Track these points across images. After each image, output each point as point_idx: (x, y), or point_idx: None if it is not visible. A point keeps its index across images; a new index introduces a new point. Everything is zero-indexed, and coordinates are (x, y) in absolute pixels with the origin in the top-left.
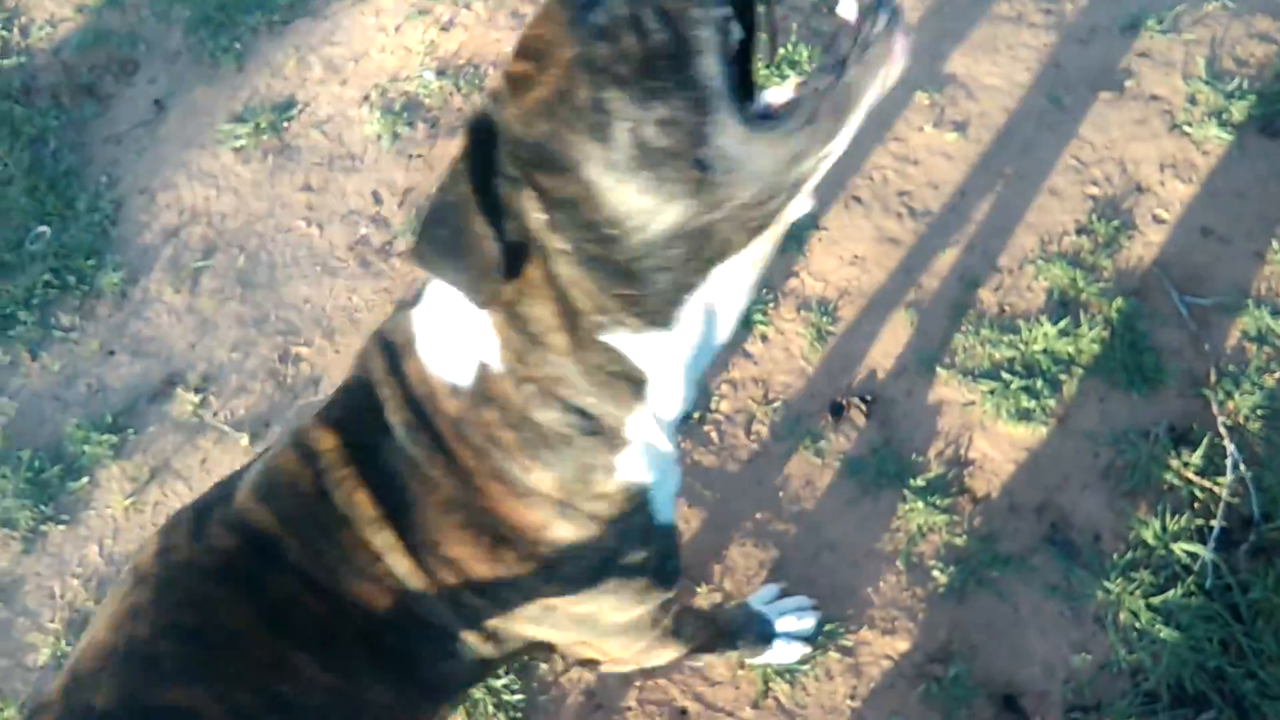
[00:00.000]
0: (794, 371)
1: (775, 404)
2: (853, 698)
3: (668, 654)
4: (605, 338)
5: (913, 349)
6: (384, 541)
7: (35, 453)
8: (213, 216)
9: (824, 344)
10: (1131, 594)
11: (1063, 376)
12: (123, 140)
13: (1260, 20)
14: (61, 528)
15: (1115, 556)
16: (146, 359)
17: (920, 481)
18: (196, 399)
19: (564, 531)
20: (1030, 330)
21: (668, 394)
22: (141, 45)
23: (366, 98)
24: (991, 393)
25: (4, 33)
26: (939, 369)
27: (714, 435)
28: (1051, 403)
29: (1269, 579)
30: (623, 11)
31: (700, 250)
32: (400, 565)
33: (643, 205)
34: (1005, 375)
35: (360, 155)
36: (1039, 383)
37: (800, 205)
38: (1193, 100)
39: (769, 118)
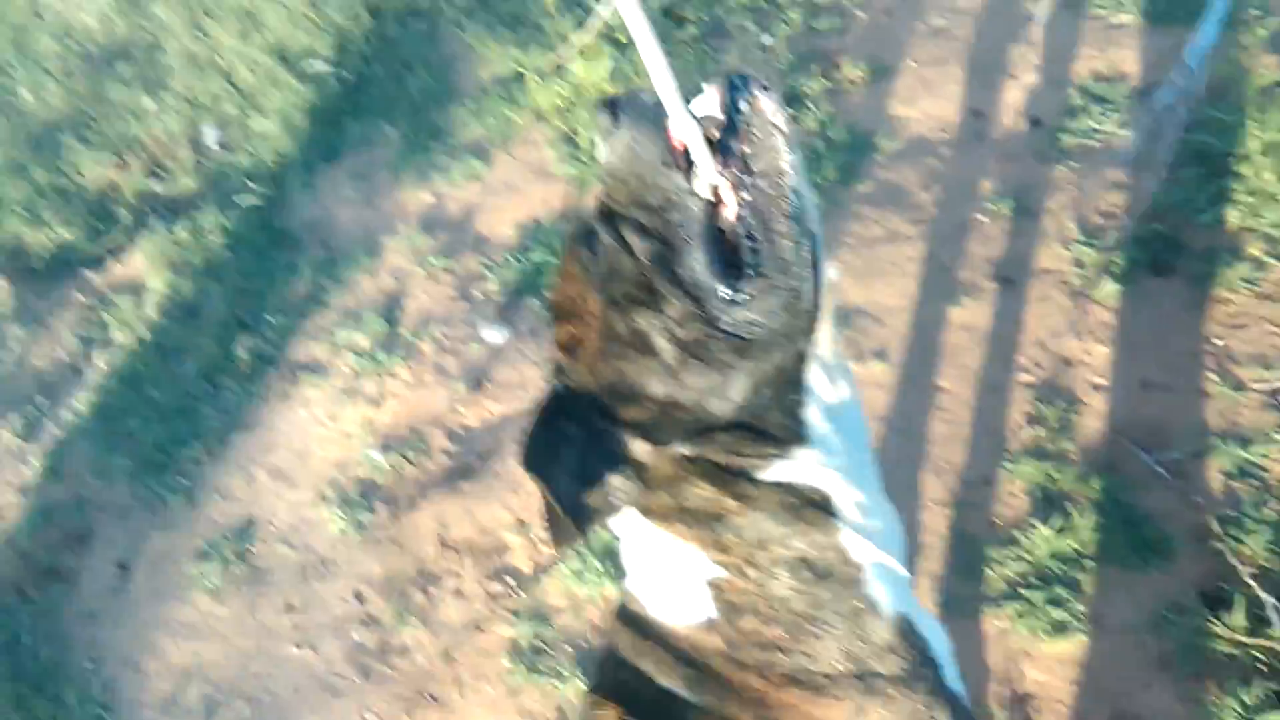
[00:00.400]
0: None
1: None
2: None
3: None
4: (764, 477)
5: (930, 599)
6: None
7: None
8: (205, 671)
9: None
10: None
11: (1078, 575)
12: (96, 615)
13: (1108, 171)
14: None
15: None
16: None
17: None
18: None
19: (877, 713)
20: (1029, 538)
21: (853, 501)
22: (90, 510)
23: (322, 496)
24: (1020, 615)
25: None
26: (962, 607)
27: None
28: (1080, 606)
29: None
30: (610, 240)
31: (777, 379)
32: None
33: (709, 384)
34: (1024, 592)
35: (331, 558)
36: (1059, 589)
37: (829, 280)
38: (1080, 264)
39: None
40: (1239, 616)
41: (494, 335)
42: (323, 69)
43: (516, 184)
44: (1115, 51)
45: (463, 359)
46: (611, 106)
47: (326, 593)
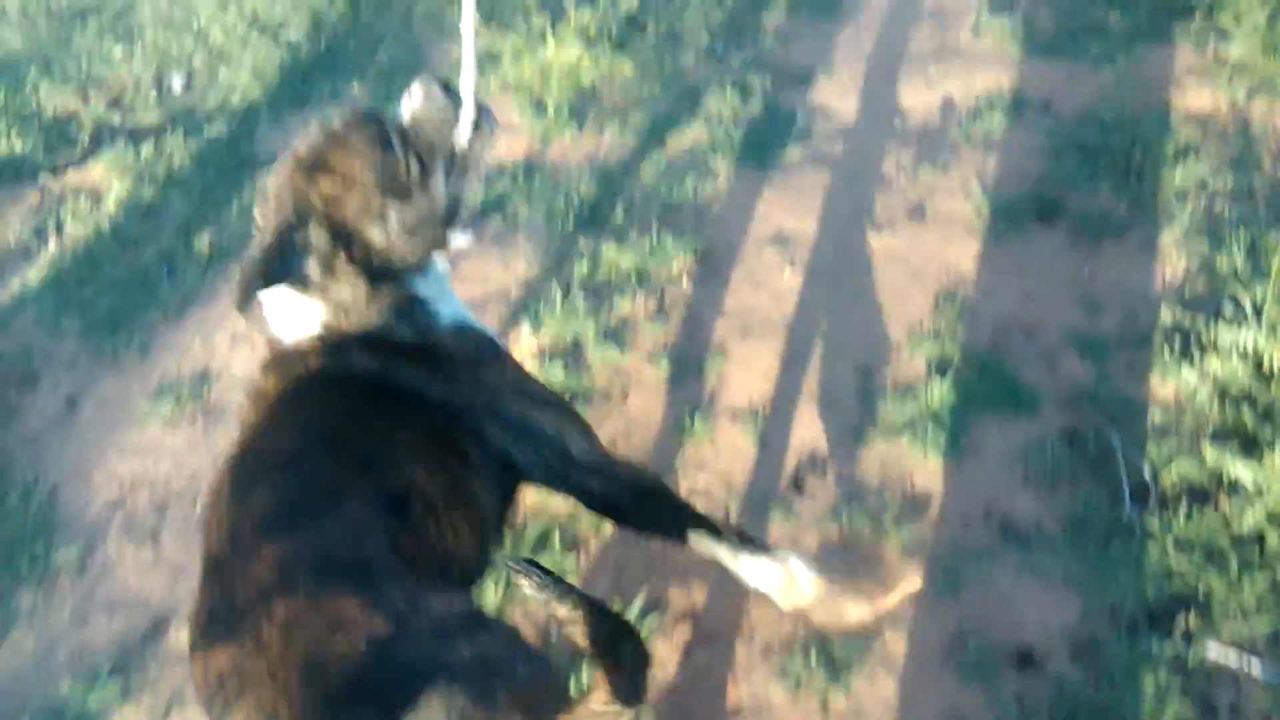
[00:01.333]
0: (745, 463)
1: (740, 490)
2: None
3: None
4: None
5: (835, 424)
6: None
7: (34, 718)
8: (155, 482)
9: (761, 439)
10: None
11: (961, 418)
12: (39, 439)
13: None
14: None
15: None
16: (126, 611)
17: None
18: None
19: None
20: (925, 391)
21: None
22: (36, 357)
23: None
24: (913, 440)
25: None
26: (867, 431)
27: None
28: (963, 438)
29: None
30: (400, 155)
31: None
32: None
33: (406, 244)
34: (918, 425)
35: None
36: (945, 424)
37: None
38: (980, 211)
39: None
40: (1090, 448)
41: (460, 240)
42: (295, 38)
43: None
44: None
45: None
46: (436, 81)
47: None
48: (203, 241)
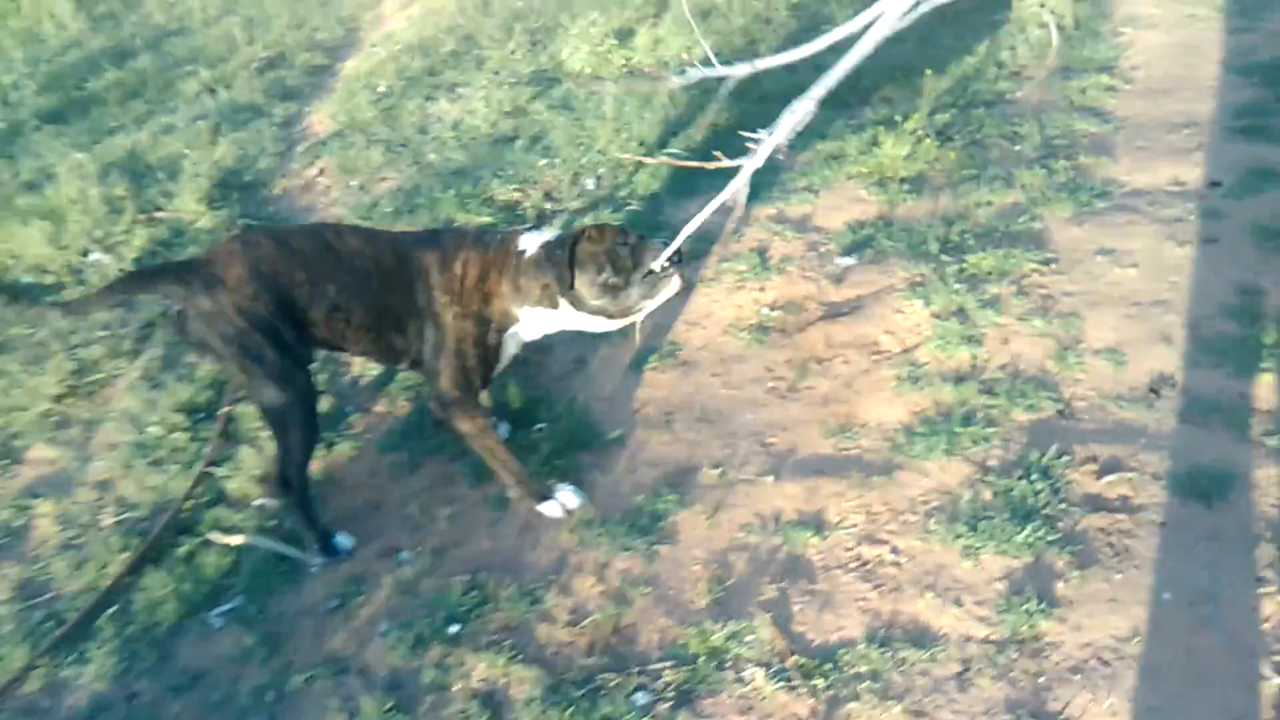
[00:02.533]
0: (1107, 381)
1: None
2: None
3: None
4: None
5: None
6: None
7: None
8: (657, 402)
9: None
10: None
11: None
12: (562, 380)
13: None
14: None
15: None
16: (662, 465)
17: None
18: None
19: None
20: None
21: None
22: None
23: (725, 331)
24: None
25: None
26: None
27: None
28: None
29: None
30: (626, 252)
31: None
32: None
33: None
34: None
35: (744, 355)
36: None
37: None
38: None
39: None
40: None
41: (845, 260)
42: (679, 149)
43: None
44: None
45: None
46: (660, 240)
47: (743, 373)
48: None
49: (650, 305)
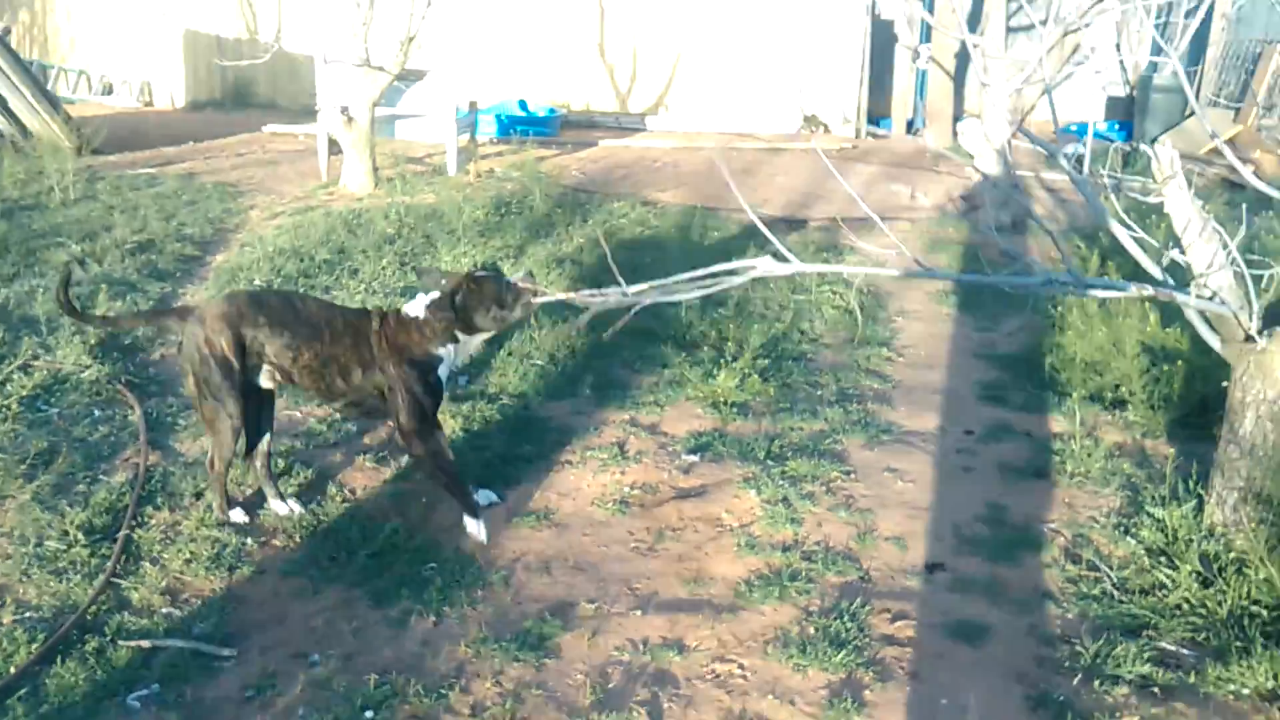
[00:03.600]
0: None
1: None
2: None
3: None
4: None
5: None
6: None
7: None
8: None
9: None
10: None
11: None
12: None
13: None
14: None
15: None
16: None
17: None
18: None
19: None
20: None
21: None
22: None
23: (593, 503)
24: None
25: None
26: None
27: None
28: None
29: None
30: (505, 290)
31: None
32: None
33: (489, 326)
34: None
35: (607, 521)
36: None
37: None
38: None
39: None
40: None
41: (690, 457)
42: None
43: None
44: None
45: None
46: (526, 274)
47: (610, 535)
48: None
49: (522, 314)
